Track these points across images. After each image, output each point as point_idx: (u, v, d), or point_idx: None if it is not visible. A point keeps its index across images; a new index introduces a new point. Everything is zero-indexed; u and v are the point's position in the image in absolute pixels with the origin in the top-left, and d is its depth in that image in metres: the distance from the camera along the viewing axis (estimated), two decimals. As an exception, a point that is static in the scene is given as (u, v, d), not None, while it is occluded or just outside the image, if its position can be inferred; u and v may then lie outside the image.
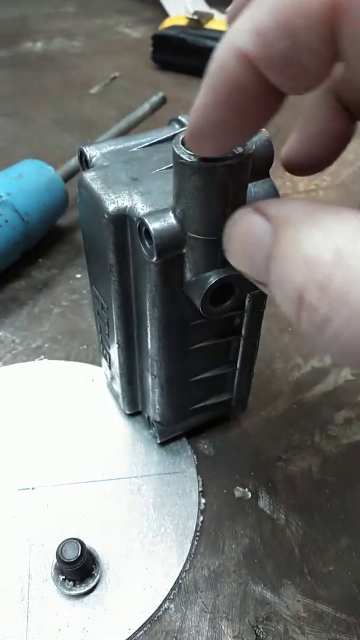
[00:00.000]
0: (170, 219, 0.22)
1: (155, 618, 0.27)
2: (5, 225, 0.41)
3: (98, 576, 0.27)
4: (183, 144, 0.20)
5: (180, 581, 0.28)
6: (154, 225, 0.22)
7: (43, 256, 0.47)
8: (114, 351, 0.30)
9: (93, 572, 0.28)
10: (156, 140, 0.27)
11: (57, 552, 0.26)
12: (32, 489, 0.31)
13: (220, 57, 0.15)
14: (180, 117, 0.28)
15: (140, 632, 0.26)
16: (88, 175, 0.25)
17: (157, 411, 0.30)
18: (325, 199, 0.56)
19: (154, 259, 0.22)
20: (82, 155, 0.27)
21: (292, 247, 0.14)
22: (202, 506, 0.31)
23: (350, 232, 0.14)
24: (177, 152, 0.20)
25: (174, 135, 0.23)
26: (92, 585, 0.27)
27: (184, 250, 0.23)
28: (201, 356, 0.28)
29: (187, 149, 0.20)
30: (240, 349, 0.29)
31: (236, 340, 0.29)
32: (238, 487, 0.32)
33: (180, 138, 0.20)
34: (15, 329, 0.41)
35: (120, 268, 0.25)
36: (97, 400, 0.36)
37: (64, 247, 0.49)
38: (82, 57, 0.84)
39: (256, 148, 0.21)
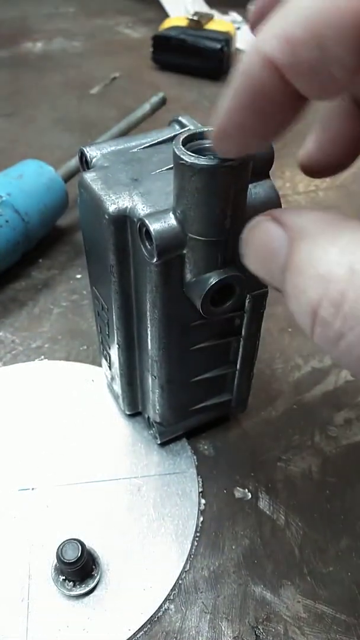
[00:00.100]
0: (171, 220, 0.22)
1: (155, 619, 0.27)
2: (5, 226, 0.41)
3: (98, 577, 0.27)
4: (184, 145, 0.20)
5: (180, 582, 0.28)
6: (154, 226, 0.22)
7: (43, 256, 0.47)
8: (114, 352, 0.30)
9: (93, 573, 0.28)
10: (157, 141, 0.27)
11: (57, 552, 0.26)
12: (32, 489, 0.31)
13: (247, 62, 0.15)
14: (180, 118, 0.28)
15: (140, 633, 0.26)
16: (88, 176, 0.25)
17: (157, 412, 0.31)
18: (325, 200, 0.56)
19: (155, 259, 0.22)
20: (82, 155, 0.27)
21: (308, 260, 0.15)
22: (202, 507, 0.31)
23: None
24: (177, 153, 0.20)
25: (175, 136, 0.23)
26: (92, 585, 0.27)
27: (185, 251, 0.23)
28: (201, 357, 0.28)
29: (187, 150, 0.20)
30: (240, 350, 0.29)
31: (236, 341, 0.29)
32: (238, 488, 0.32)
33: (181, 139, 0.20)
34: (15, 329, 0.41)
35: (120, 269, 0.25)
36: (97, 401, 0.36)
37: (64, 247, 0.49)
38: (82, 57, 0.84)
39: (256, 149, 0.21)
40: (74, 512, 0.30)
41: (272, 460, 0.33)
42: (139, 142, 0.27)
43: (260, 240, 0.17)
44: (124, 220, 0.23)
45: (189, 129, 0.21)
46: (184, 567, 0.29)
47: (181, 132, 0.21)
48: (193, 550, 0.29)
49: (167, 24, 0.81)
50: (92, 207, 0.24)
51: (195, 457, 0.33)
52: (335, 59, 0.14)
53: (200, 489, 0.32)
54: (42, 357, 0.39)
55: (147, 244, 0.22)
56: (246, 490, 0.32)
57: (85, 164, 0.27)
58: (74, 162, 0.48)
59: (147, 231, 0.22)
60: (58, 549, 0.26)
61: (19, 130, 0.65)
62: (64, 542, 0.26)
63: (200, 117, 0.27)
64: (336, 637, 0.26)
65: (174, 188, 0.21)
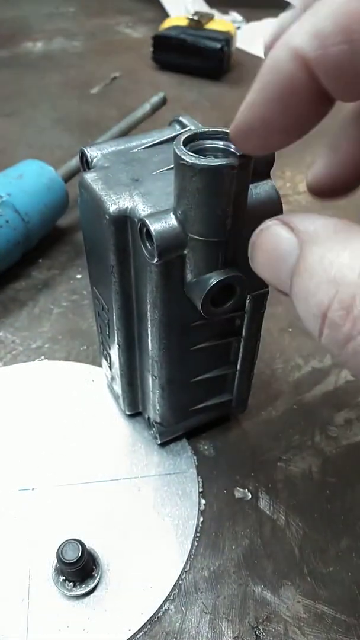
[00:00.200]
0: (171, 220, 0.22)
1: (155, 619, 0.27)
2: (5, 226, 0.41)
3: (98, 577, 0.27)
4: (184, 145, 0.20)
5: (180, 582, 0.28)
6: (155, 227, 0.22)
7: (43, 256, 0.47)
8: (114, 352, 0.30)
9: (93, 573, 0.28)
10: (157, 141, 0.27)
11: (57, 552, 0.26)
12: (33, 489, 0.31)
13: (275, 56, 0.15)
14: (181, 118, 0.28)
15: (140, 633, 0.26)
16: (89, 176, 0.25)
17: (157, 412, 0.31)
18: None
19: (155, 260, 0.22)
20: (83, 155, 0.27)
21: (319, 264, 0.15)
22: (202, 507, 0.31)
23: None
24: (178, 153, 0.20)
25: (175, 136, 0.23)
26: (92, 586, 0.27)
27: (185, 252, 0.23)
28: (202, 357, 0.28)
29: (188, 150, 0.20)
30: (241, 350, 0.29)
31: (237, 341, 0.29)
32: (238, 488, 0.32)
33: (182, 139, 0.20)
34: (15, 330, 0.41)
35: (121, 269, 0.25)
36: (98, 401, 0.36)
37: (64, 247, 0.49)
38: (82, 57, 0.84)
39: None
40: (74, 512, 0.30)
41: (272, 460, 0.33)
42: (139, 142, 0.27)
43: (269, 244, 0.17)
44: (124, 221, 0.23)
45: (190, 129, 0.21)
46: (184, 567, 0.29)
47: (182, 132, 0.21)
48: (193, 550, 0.29)
49: (167, 23, 0.81)
50: (92, 207, 0.24)
51: (195, 457, 0.33)
52: None
53: (201, 489, 0.32)
54: (42, 357, 0.39)
55: (147, 244, 0.22)
56: (246, 490, 0.32)
57: (85, 164, 0.27)
58: (74, 162, 0.48)
59: (148, 231, 0.22)
60: (58, 549, 0.26)
61: (19, 130, 0.65)
62: (64, 542, 0.26)
63: (201, 117, 0.27)
64: (336, 638, 0.26)
65: (175, 188, 0.21)
